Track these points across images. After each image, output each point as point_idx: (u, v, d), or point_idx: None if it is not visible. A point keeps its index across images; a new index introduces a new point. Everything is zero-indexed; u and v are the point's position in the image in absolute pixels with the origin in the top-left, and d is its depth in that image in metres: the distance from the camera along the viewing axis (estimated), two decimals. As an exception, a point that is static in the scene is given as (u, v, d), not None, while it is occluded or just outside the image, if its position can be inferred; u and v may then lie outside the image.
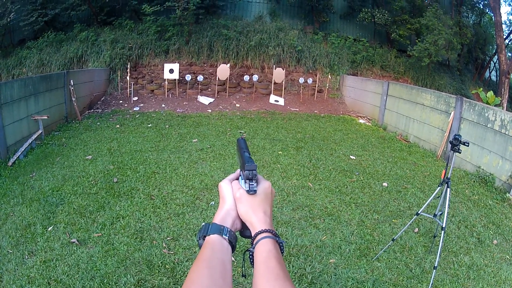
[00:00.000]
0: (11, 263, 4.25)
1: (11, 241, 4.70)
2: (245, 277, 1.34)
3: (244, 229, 1.13)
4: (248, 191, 1.11)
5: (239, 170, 1.23)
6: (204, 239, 1.04)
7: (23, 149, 7.91)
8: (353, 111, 14.92)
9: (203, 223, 1.08)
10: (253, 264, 1.00)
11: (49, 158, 7.86)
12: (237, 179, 1.21)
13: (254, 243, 1.04)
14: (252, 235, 1.06)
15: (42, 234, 4.87)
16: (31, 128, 8.79)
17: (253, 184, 1.11)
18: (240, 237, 1.15)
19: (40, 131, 8.89)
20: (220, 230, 1.04)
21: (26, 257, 4.37)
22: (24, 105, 8.60)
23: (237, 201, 1.12)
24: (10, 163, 7.39)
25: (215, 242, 1.01)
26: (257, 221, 1.07)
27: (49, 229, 5.00)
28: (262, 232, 1.03)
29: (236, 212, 1.12)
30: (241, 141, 1.28)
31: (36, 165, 7.45)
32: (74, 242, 4.68)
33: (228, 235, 1.04)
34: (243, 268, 1.21)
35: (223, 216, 1.10)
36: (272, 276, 0.92)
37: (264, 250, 0.99)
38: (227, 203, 1.13)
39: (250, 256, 1.03)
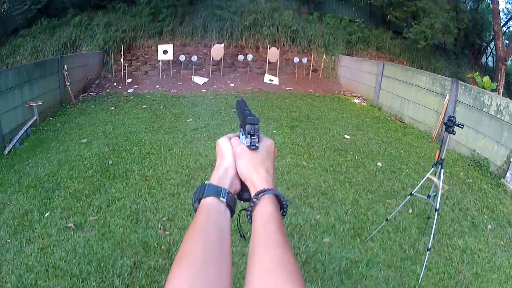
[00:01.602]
0: (10, 252, 4.26)
1: (9, 230, 4.69)
2: (244, 238, 1.17)
3: (243, 191, 1.02)
4: (249, 147, 1.00)
5: (239, 132, 1.13)
6: (199, 202, 0.93)
7: (18, 137, 7.85)
8: (348, 91, 14.89)
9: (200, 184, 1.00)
10: (251, 222, 0.91)
11: (44, 144, 7.83)
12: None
13: (254, 203, 0.93)
14: (253, 195, 0.95)
15: (39, 220, 4.88)
16: (26, 115, 8.72)
17: (255, 139, 1.00)
18: (239, 200, 1.03)
19: (35, 118, 8.82)
20: (217, 191, 0.93)
21: (24, 245, 4.38)
22: (18, 93, 8.53)
23: (237, 157, 1.01)
24: (6, 152, 7.33)
25: (212, 206, 0.91)
26: (258, 180, 0.96)
27: (46, 215, 5.01)
28: (265, 193, 0.92)
29: (235, 171, 1.01)
30: (241, 101, 1.19)
31: (32, 151, 7.41)
32: (70, 226, 4.70)
33: (226, 197, 0.93)
34: (239, 228, 1.05)
35: (221, 175, 0.99)
36: (271, 243, 0.82)
37: (264, 212, 0.89)
38: (226, 160, 1.02)
39: (248, 216, 0.94)
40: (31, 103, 8.82)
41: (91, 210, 5.11)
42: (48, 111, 10.15)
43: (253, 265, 0.79)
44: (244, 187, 1.01)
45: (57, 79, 10.85)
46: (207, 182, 0.97)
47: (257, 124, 1.01)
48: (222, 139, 1.06)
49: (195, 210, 0.92)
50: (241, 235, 1.05)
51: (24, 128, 8.20)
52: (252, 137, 1.00)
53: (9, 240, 4.50)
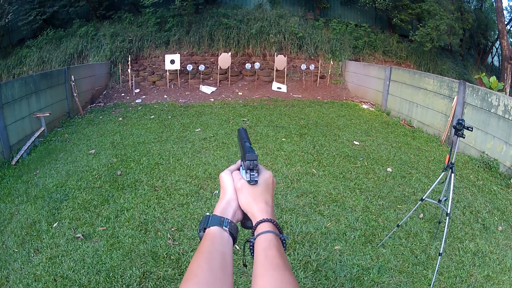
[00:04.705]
0: (17, 262, 4.27)
1: (17, 240, 4.71)
2: (246, 267, 1.33)
3: (245, 220, 1.11)
4: (249, 182, 1.09)
5: (240, 160, 1.21)
6: (204, 231, 1.02)
7: (26, 148, 7.91)
8: (356, 97, 14.84)
9: (207, 213, 1.07)
10: (253, 255, 0.98)
11: (52, 154, 7.88)
12: (238, 169, 1.19)
13: (255, 233, 1.01)
14: (253, 225, 1.04)
15: (47, 231, 4.90)
16: (34, 126, 8.78)
17: (254, 174, 1.10)
18: (242, 228, 1.14)
19: (42, 128, 8.88)
20: (220, 221, 1.03)
21: (32, 255, 4.39)
22: (25, 104, 8.60)
23: (238, 191, 1.11)
24: (13, 162, 7.39)
25: (215, 234, 1.00)
26: (258, 211, 1.05)
27: (54, 225, 5.03)
28: (263, 222, 1.02)
29: (237, 202, 1.10)
30: (241, 131, 1.27)
31: (39, 162, 7.46)
32: (79, 237, 4.70)
33: (228, 227, 1.03)
34: (244, 258, 1.21)
35: (224, 207, 1.08)
36: (271, 266, 0.91)
37: (265, 239, 0.97)
38: (228, 194, 1.11)
39: (251, 247, 1.01)
40: (38, 114, 8.89)
41: (100, 221, 5.10)
42: (56, 121, 10.23)
43: (256, 286, 0.88)
44: (246, 216, 1.11)
45: (65, 90, 10.94)
46: (207, 213, 1.03)
47: (255, 160, 1.10)
48: (224, 174, 1.17)
49: (201, 239, 1.02)
50: (244, 264, 1.21)
51: (32, 139, 8.26)
52: (251, 173, 1.10)
53: (17, 250, 4.52)
